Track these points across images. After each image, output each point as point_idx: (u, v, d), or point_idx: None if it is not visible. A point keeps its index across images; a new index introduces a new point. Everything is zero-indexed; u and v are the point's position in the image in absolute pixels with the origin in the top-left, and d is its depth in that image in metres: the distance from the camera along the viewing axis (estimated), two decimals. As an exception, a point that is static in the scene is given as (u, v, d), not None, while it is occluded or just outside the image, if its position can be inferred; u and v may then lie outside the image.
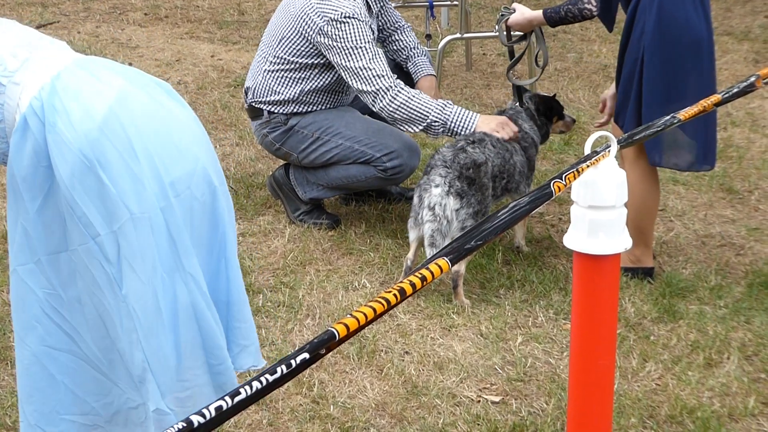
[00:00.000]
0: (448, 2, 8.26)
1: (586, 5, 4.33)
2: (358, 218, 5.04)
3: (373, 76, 4.51)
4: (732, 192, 5.32)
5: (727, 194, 5.31)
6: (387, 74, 4.53)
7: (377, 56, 4.54)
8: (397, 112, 4.51)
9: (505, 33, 4.79)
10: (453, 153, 4.24)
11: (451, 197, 4.14)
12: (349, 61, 4.54)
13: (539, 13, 4.52)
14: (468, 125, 4.46)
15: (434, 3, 7.51)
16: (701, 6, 4.15)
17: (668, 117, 2.63)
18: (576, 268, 2.27)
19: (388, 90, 4.50)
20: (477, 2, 10.09)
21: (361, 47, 4.52)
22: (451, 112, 4.49)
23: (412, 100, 4.49)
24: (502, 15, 4.70)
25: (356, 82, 4.55)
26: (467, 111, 4.51)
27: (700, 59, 4.16)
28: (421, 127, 4.52)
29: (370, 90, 4.52)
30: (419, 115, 4.49)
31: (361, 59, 4.52)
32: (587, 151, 2.27)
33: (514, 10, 4.63)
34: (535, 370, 3.74)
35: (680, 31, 4.11)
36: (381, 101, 4.51)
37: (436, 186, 4.17)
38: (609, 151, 2.24)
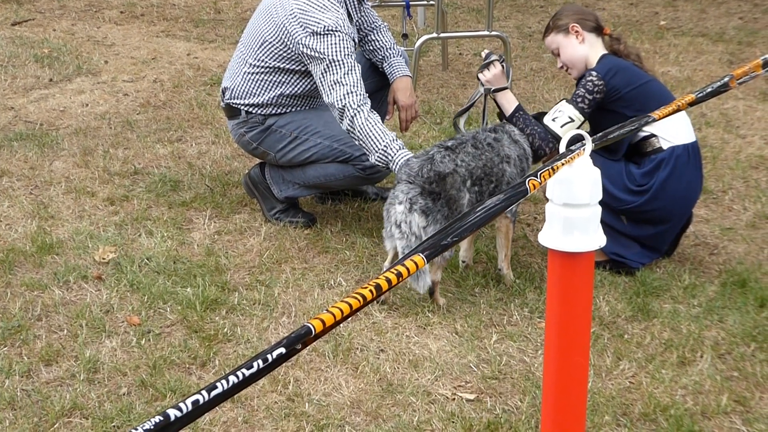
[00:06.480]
0: (425, 2, 8.28)
1: (546, 145, 4.38)
2: (334, 217, 5.04)
3: (345, 93, 4.46)
4: (706, 192, 5.35)
5: (701, 194, 5.34)
6: (357, 91, 4.47)
7: (353, 71, 4.50)
8: (353, 133, 4.48)
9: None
10: (419, 164, 4.14)
11: (416, 214, 4.06)
12: (324, 73, 4.50)
13: (513, 105, 4.48)
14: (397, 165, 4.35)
15: (411, 2, 7.52)
16: None
17: (643, 115, 2.65)
18: (551, 265, 2.29)
19: (351, 109, 4.44)
20: (453, 2, 10.11)
21: (339, 60, 4.49)
22: (393, 154, 4.37)
23: (368, 127, 4.43)
24: (493, 59, 4.56)
25: (327, 95, 4.52)
26: (405, 156, 4.33)
27: None
28: (369, 155, 4.47)
29: (337, 106, 4.48)
30: (367, 145, 4.44)
31: (337, 73, 4.48)
32: (562, 149, 2.28)
33: (502, 60, 4.56)
34: (509, 368, 3.75)
35: None
36: (344, 120, 4.48)
37: (399, 203, 4.09)
38: (584, 149, 2.25)
